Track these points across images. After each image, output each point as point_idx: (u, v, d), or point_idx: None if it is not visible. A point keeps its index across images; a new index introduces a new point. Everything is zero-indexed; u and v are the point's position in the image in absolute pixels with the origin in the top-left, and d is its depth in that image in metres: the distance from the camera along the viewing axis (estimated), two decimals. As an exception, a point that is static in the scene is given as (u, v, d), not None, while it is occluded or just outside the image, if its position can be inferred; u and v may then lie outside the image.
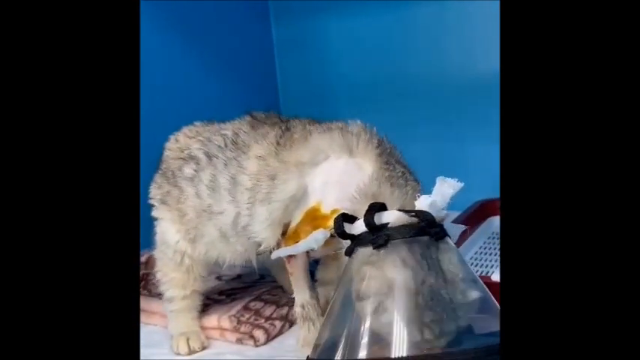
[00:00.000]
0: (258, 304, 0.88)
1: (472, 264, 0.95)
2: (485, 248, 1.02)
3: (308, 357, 0.59)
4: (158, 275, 0.85)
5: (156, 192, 0.86)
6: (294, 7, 1.48)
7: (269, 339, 0.81)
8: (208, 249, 0.81)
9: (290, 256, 0.71)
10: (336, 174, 0.68)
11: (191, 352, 0.80)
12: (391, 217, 0.57)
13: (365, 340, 0.54)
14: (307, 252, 0.69)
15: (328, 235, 0.64)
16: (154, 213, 0.86)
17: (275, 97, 1.51)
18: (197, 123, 0.88)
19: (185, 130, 0.87)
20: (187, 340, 0.81)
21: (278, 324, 0.83)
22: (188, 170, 0.82)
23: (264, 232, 0.71)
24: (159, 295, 0.86)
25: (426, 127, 1.34)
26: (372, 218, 0.57)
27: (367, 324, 0.55)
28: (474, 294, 0.56)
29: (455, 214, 1.08)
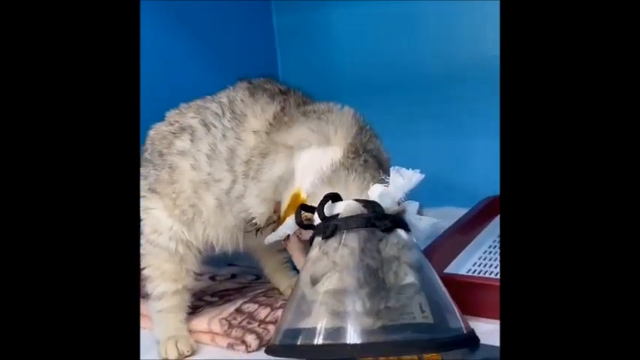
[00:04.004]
0: (251, 307, 0.84)
1: (479, 264, 0.90)
2: (493, 247, 0.96)
3: (269, 342, 0.63)
4: (147, 271, 0.80)
5: (142, 183, 0.82)
6: (296, -6, 1.44)
7: (262, 344, 0.76)
8: (205, 226, 0.79)
9: (286, 239, 0.73)
10: (314, 162, 0.70)
11: (180, 355, 0.75)
12: (342, 207, 0.61)
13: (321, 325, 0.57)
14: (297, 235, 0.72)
15: None
16: (142, 204, 0.81)
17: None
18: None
19: (170, 113, 0.84)
20: (176, 343, 0.76)
21: (272, 328, 0.78)
22: (181, 143, 0.80)
23: (257, 207, 0.74)
24: (148, 296, 0.81)
25: (431, 119, 1.30)
26: (323, 209, 0.61)
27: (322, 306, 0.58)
28: (409, 279, 0.58)
29: (462, 211, 1.04)
